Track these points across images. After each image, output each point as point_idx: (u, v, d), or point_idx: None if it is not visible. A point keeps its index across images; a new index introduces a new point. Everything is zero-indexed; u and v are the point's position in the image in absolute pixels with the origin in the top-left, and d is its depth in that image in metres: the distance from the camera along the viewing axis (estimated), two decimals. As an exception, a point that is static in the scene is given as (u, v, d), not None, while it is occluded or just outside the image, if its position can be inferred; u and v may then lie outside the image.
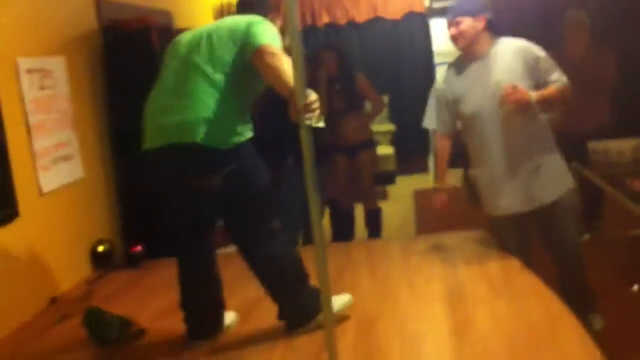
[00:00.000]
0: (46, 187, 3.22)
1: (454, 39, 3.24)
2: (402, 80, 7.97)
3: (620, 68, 4.85)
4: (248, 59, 2.44)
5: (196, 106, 2.43)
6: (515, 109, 3.06)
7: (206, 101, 2.43)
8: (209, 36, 2.54)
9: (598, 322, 3.44)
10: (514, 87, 3.02)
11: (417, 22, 8.07)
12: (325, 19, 7.97)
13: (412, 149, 8.02)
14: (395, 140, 7.89)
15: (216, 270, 2.66)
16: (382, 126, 7.56)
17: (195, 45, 2.55)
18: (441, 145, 3.56)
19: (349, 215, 5.24)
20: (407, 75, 8.09)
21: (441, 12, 8.43)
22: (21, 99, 3.08)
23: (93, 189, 3.72)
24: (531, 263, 3.22)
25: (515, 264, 3.11)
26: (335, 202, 5.18)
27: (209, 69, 2.47)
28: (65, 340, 2.77)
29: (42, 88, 3.27)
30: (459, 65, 3.34)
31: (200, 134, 2.39)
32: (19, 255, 3.01)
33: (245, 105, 2.57)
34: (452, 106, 3.35)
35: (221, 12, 6.79)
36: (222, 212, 2.60)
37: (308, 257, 2.48)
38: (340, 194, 5.14)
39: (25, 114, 3.10)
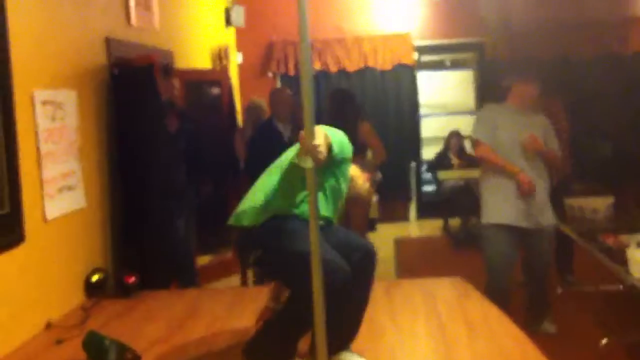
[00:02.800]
0: (50, 214, 3.35)
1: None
2: (388, 129, 8.22)
3: (588, 122, 5.18)
4: None
5: None
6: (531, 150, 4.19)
7: None
8: None
9: (552, 327, 4.39)
10: (535, 138, 4.19)
11: (405, 74, 8.39)
12: (316, 66, 8.24)
13: (395, 197, 8.25)
14: (379, 188, 8.09)
15: None
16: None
17: None
18: (485, 147, 4.34)
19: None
20: (393, 125, 8.37)
21: (428, 66, 8.78)
22: (35, 129, 3.24)
23: (92, 219, 3.85)
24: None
25: (492, 308, 3.29)
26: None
27: None
28: (62, 362, 2.87)
29: (54, 119, 3.43)
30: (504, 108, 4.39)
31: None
32: (21, 278, 3.12)
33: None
34: (490, 126, 4.30)
35: (219, 56, 7.03)
36: None
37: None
38: None
39: (37, 144, 3.26)
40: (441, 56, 8.90)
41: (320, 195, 2.68)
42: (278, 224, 2.61)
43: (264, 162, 2.92)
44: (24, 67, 3.16)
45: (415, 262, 6.55)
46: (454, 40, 8.36)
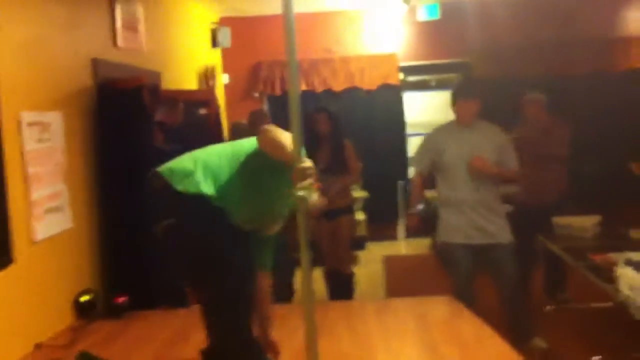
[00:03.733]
0: (39, 236, 3.32)
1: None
2: (376, 148, 8.24)
3: (575, 141, 5.23)
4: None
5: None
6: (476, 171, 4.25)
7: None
8: None
9: (542, 343, 4.34)
10: (480, 159, 4.22)
11: (391, 94, 8.43)
12: (303, 87, 8.24)
13: (383, 216, 8.24)
14: (367, 207, 8.11)
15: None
16: (355, 193, 7.76)
17: None
18: (417, 179, 4.66)
19: (335, 275, 5.34)
20: (381, 144, 8.38)
21: (414, 86, 8.82)
22: (22, 151, 3.21)
23: (80, 240, 3.81)
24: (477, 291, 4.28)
25: (484, 328, 3.27)
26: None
27: None
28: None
29: (40, 141, 3.41)
30: (450, 127, 4.46)
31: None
32: (10, 299, 3.08)
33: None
34: (433, 153, 4.41)
35: (205, 76, 7.03)
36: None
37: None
38: (327, 255, 5.27)
39: (24, 165, 3.23)
40: (427, 76, 8.95)
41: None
42: (212, 209, 2.56)
43: None
44: (11, 88, 3.14)
45: (404, 280, 6.54)
46: (439, 61, 8.43)
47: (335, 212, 5.12)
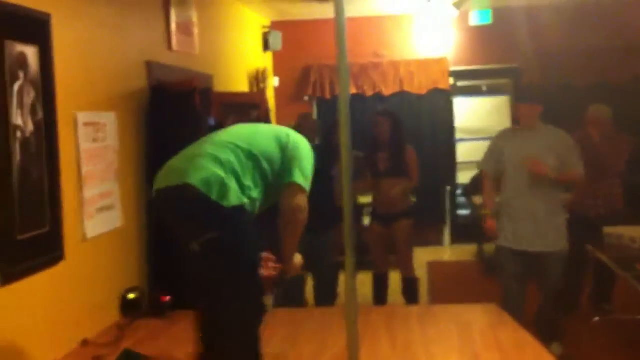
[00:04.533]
0: (90, 233, 3.42)
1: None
2: (424, 153, 8.15)
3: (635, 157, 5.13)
4: (281, 175, 2.78)
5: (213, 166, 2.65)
6: (535, 175, 4.26)
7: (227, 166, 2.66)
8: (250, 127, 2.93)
9: (559, 349, 4.39)
10: (537, 162, 4.24)
11: (441, 99, 8.39)
12: (352, 90, 8.27)
13: (429, 221, 8.19)
14: (412, 211, 8.05)
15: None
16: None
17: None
18: (486, 182, 4.66)
19: (383, 281, 5.36)
20: (429, 149, 8.32)
21: (464, 91, 8.76)
22: (77, 150, 3.33)
23: (129, 238, 3.92)
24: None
25: (526, 336, 3.25)
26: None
27: (246, 147, 2.75)
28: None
29: (95, 140, 3.52)
30: (514, 131, 4.64)
31: (200, 182, 2.56)
32: (60, 295, 3.18)
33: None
34: (497, 156, 4.50)
35: (256, 79, 7.12)
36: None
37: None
38: (376, 259, 5.29)
39: (79, 164, 3.34)
40: (477, 82, 8.87)
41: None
42: (248, 216, 2.63)
43: None
44: (68, 89, 3.25)
45: (448, 286, 6.51)
46: (490, 66, 8.35)
47: (393, 215, 5.14)
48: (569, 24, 7.74)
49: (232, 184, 2.59)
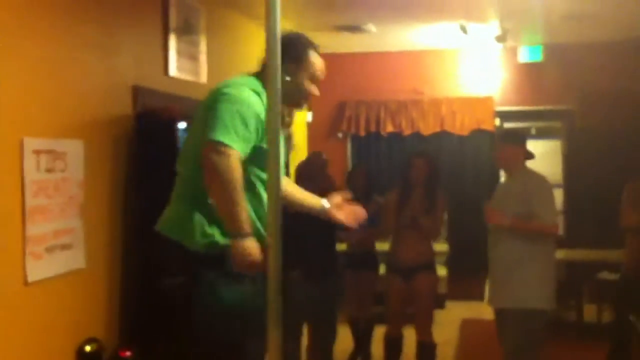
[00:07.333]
0: (33, 276, 2.99)
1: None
2: (464, 198, 7.58)
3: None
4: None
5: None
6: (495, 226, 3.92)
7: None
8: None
9: None
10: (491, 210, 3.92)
11: (485, 141, 7.76)
12: (389, 128, 7.79)
13: (467, 272, 7.53)
14: (450, 261, 7.45)
15: None
16: (436, 246, 7.15)
17: None
18: None
19: (395, 345, 4.75)
20: (471, 193, 7.70)
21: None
22: (21, 180, 2.93)
23: (92, 282, 3.49)
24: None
25: None
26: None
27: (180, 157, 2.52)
28: None
29: (50, 171, 3.12)
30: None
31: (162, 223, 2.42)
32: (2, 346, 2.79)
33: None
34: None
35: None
36: None
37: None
38: (391, 317, 4.73)
39: (22, 197, 2.93)
40: (526, 123, 8.20)
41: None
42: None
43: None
44: (10, 111, 2.88)
45: (480, 348, 5.83)
46: (540, 107, 7.71)
47: (412, 269, 4.55)
48: (627, 62, 7.07)
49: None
